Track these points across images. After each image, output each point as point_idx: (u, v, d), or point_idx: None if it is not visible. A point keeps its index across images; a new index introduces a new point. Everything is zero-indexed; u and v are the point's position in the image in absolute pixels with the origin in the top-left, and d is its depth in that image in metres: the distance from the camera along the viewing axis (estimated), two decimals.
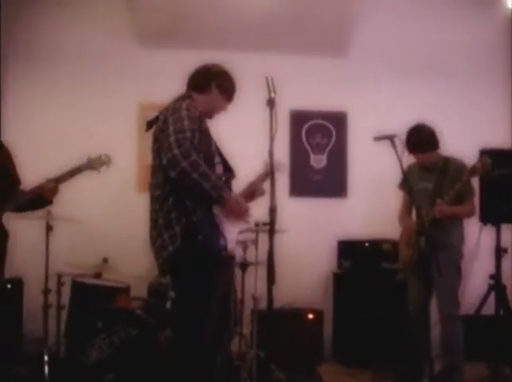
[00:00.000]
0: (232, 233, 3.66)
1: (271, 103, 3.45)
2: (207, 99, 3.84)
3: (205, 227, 3.54)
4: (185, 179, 3.39)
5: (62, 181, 4.03)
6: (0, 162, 4.05)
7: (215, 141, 3.82)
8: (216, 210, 3.58)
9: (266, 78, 3.48)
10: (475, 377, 5.17)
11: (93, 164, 4.11)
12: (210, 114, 3.88)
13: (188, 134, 3.42)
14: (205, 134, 3.65)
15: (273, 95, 3.46)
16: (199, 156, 3.44)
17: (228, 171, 3.84)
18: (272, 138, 3.41)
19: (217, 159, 3.76)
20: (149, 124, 3.79)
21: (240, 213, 3.64)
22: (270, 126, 3.42)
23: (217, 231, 3.56)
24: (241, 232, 3.80)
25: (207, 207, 3.55)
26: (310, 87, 6.44)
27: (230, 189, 3.76)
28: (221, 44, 6.06)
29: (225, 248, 3.56)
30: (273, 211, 3.35)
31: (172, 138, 3.41)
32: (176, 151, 3.36)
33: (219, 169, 3.76)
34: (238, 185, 3.96)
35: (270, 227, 3.33)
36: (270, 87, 3.47)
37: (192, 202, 3.52)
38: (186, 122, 3.47)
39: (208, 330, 3.59)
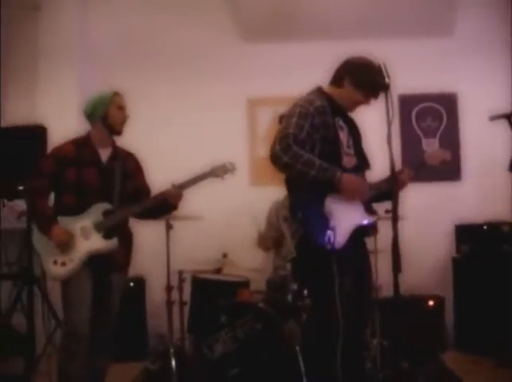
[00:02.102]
0: (346, 226, 3.61)
1: (386, 89, 3.41)
2: (341, 93, 3.80)
3: (310, 220, 3.60)
4: (290, 172, 3.58)
5: (185, 188, 4.09)
6: (128, 170, 4.16)
7: (355, 133, 3.86)
8: (329, 202, 3.60)
9: (379, 65, 3.45)
10: None
11: (217, 172, 4.15)
12: (348, 107, 3.86)
13: (292, 131, 3.53)
14: (326, 127, 3.64)
15: (387, 80, 3.42)
16: (307, 149, 3.55)
17: (363, 163, 3.86)
18: (389, 124, 3.37)
19: (349, 151, 3.75)
20: (281, 118, 3.86)
21: (356, 191, 3.63)
22: (387, 112, 3.38)
23: (324, 225, 3.55)
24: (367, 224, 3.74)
25: (317, 200, 3.60)
26: (417, 69, 6.30)
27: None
28: (326, 34, 6.05)
29: (331, 242, 3.54)
30: (395, 198, 3.32)
31: (278, 135, 3.56)
32: (277, 147, 3.51)
33: (349, 159, 3.74)
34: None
35: (393, 214, 3.28)
36: (384, 72, 3.43)
37: (306, 194, 3.63)
38: (294, 119, 3.58)
39: (333, 327, 3.61)
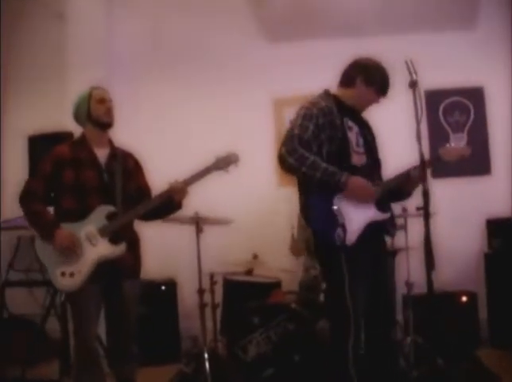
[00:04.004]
0: (357, 224, 3.64)
1: (414, 85, 3.41)
2: (352, 93, 3.89)
3: (317, 218, 3.68)
4: (296, 173, 3.69)
5: (190, 183, 3.92)
6: (128, 170, 4.04)
7: (367, 132, 3.91)
8: (339, 201, 3.63)
9: (406, 62, 3.45)
10: None
11: (221, 164, 3.94)
12: (359, 107, 3.94)
13: (296, 132, 3.65)
14: (333, 127, 3.71)
15: (414, 77, 3.41)
16: (314, 149, 3.64)
17: (374, 161, 3.90)
18: (418, 121, 3.37)
19: (358, 149, 3.80)
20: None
21: (361, 196, 3.65)
22: (415, 109, 3.39)
23: (332, 222, 3.60)
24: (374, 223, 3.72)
25: (326, 198, 3.64)
26: (442, 64, 6.22)
27: (372, 178, 3.78)
28: (350, 31, 6.06)
29: (341, 238, 3.58)
30: (426, 194, 3.31)
31: (284, 137, 3.72)
32: (283, 149, 3.64)
33: (358, 158, 3.79)
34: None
35: (425, 211, 3.27)
36: (411, 69, 3.43)
37: (311, 193, 3.71)
38: (299, 121, 3.71)
39: (343, 318, 3.65)
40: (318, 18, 6.11)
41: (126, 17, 6.43)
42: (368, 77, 3.85)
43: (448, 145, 3.87)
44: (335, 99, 3.86)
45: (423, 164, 3.40)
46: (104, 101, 3.98)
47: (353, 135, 3.79)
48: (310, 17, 6.10)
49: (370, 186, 3.68)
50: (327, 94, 3.89)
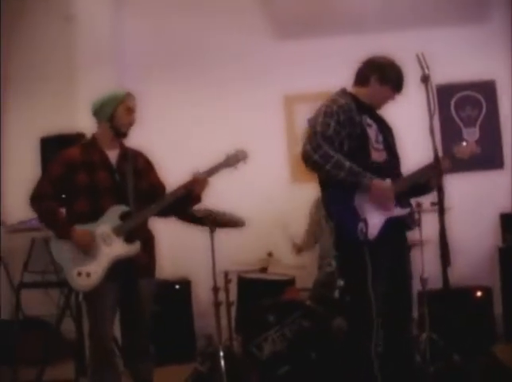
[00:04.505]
0: (377, 218, 3.66)
1: (426, 79, 3.39)
2: (367, 91, 3.91)
3: (339, 213, 3.72)
4: (320, 171, 3.70)
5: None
6: (139, 169, 4.04)
7: (385, 129, 3.93)
8: (360, 195, 3.66)
9: (417, 55, 3.43)
10: None
11: (230, 161, 3.96)
12: (375, 105, 3.96)
13: (319, 129, 3.66)
14: (352, 124, 3.74)
15: (427, 71, 3.40)
16: (336, 146, 3.65)
17: (393, 157, 3.92)
18: (431, 116, 3.35)
19: (378, 146, 3.81)
20: (309, 122, 3.93)
21: (382, 200, 3.66)
22: (428, 104, 3.37)
23: (354, 217, 3.63)
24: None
25: (347, 194, 3.67)
26: (453, 58, 6.20)
27: (391, 174, 3.80)
28: (360, 27, 6.06)
29: (364, 233, 3.60)
30: (441, 190, 3.30)
31: (307, 134, 3.72)
32: (307, 146, 3.65)
33: (378, 154, 3.81)
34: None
35: (440, 206, 3.27)
36: (423, 63, 3.41)
37: (333, 190, 3.74)
38: (320, 119, 3.71)
39: (366, 314, 3.66)
40: (326, 16, 6.11)
41: (133, 17, 6.44)
42: (382, 75, 3.87)
43: (461, 143, 3.89)
44: (352, 97, 3.88)
45: (437, 159, 3.39)
46: (132, 113, 3.99)
47: (372, 132, 3.81)
48: (318, 15, 6.10)
49: (391, 190, 3.68)
50: (344, 92, 3.92)
